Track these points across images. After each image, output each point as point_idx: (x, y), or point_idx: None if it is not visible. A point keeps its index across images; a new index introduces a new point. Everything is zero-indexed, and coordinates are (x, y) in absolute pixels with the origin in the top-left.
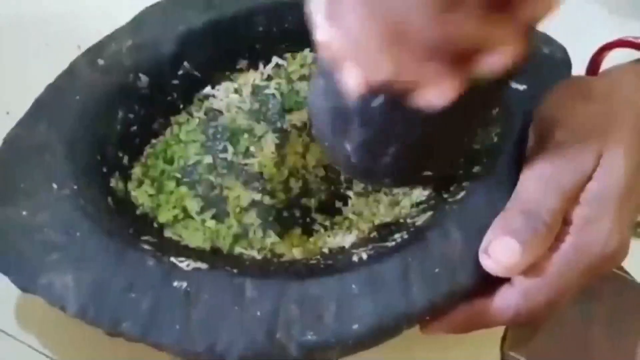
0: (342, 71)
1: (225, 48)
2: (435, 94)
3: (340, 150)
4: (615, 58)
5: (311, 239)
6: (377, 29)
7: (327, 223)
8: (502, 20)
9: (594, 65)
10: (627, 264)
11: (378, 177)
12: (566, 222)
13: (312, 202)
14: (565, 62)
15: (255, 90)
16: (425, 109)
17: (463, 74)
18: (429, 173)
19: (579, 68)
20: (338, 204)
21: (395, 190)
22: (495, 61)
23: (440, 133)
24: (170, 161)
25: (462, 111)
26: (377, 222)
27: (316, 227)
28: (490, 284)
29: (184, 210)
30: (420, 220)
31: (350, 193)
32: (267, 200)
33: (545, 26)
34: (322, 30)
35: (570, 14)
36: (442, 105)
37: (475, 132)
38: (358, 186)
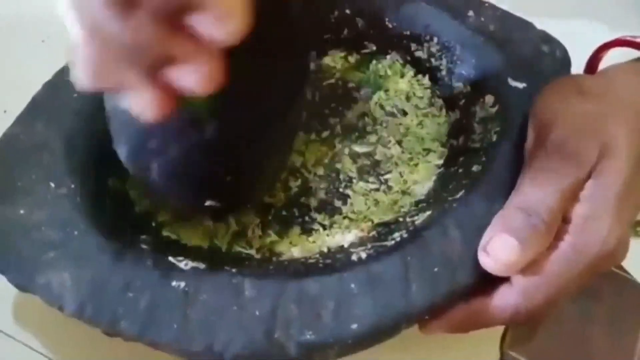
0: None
1: None
2: (140, 102)
3: (121, 156)
4: (613, 57)
5: (310, 238)
6: (79, 26)
7: (326, 222)
8: (186, 36)
9: (592, 64)
10: (626, 263)
11: (161, 195)
12: (565, 220)
13: (312, 201)
14: (564, 61)
15: None
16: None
17: (166, 87)
18: (213, 203)
19: (578, 67)
20: (337, 203)
21: (395, 189)
22: (187, 77)
23: (199, 159)
24: None
25: (212, 134)
26: (376, 221)
27: (315, 226)
28: (489, 283)
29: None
30: (419, 219)
31: (349, 192)
32: (266, 199)
33: (545, 25)
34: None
35: (570, 13)
36: (154, 116)
37: (258, 165)
38: (357, 185)
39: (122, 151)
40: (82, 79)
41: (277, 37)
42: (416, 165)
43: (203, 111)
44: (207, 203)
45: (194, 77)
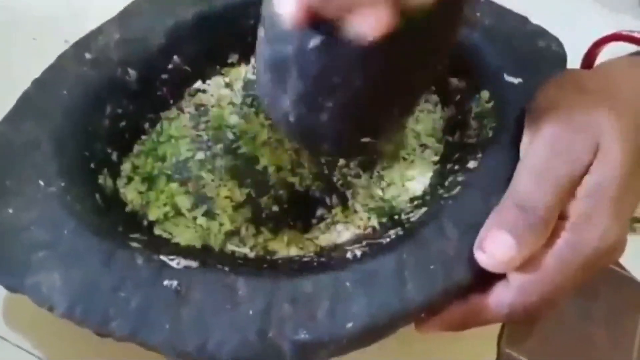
0: None
1: (215, 41)
2: (366, 20)
3: (280, 107)
4: (610, 52)
5: (305, 236)
6: None
7: (321, 220)
8: None
9: (589, 59)
10: (624, 260)
11: (317, 140)
12: (563, 216)
13: (306, 198)
14: (560, 56)
15: (247, 85)
16: (360, 40)
17: (394, 2)
18: (368, 139)
19: (574, 62)
20: (332, 200)
21: (391, 185)
22: None
23: (378, 88)
24: (160, 157)
25: (396, 65)
26: (371, 218)
27: (310, 223)
28: (486, 280)
29: (175, 207)
30: (415, 216)
31: (344, 189)
32: (259, 196)
33: (541, 19)
34: None
35: (566, 8)
36: (375, 36)
37: (414, 96)
38: (353, 182)
39: (285, 102)
40: (303, 6)
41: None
42: (412, 161)
43: (415, 26)
44: (364, 139)
45: None
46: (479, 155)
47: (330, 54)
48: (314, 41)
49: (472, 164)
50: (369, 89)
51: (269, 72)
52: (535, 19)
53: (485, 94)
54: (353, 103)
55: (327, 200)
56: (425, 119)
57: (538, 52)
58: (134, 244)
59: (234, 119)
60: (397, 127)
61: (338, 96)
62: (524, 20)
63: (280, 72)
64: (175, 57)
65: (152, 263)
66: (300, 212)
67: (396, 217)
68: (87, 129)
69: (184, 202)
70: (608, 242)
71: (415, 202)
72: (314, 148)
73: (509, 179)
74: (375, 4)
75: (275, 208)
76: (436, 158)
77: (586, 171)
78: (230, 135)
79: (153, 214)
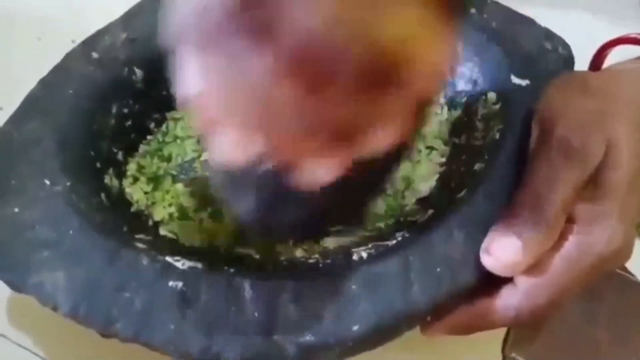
0: (212, 135)
1: None
2: (316, 172)
3: (238, 206)
4: (618, 55)
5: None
6: (246, 99)
7: None
8: (384, 98)
9: (596, 62)
10: (629, 263)
11: (281, 235)
12: (570, 219)
13: None
14: (567, 58)
15: None
16: (308, 186)
17: (346, 151)
18: (339, 228)
19: (582, 64)
20: None
21: (397, 187)
22: (378, 140)
23: (342, 196)
24: (166, 158)
25: (360, 179)
26: (378, 220)
27: None
28: (492, 283)
29: (180, 208)
30: (421, 219)
31: None
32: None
33: (548, 22)
34: (189, 77)
35: (573, 10)
36: (326, 182)
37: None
38: None
39: (245, 206)
40: (246, 148)
41: None
42: (418, 162)
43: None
44: (335, 229)
45: (385, 139)
46: (486, 157)
47: (283, 176)
48: (263, 167)
49: (478, 166)
50: (327, 201)
51: (225, 174)
52: (542, 21)
53: (492, 96)
54: (314, 211)
55: None
56: (432, 121)
57: (545, 54)
58: (139, 244)
59: None
60: (366, 212)
61: (299, 206)
62: (530, 22)
63: (235, 179)
64: None
65: (157, 263)
66: None
67: (402, 219)
68: (93, 129)
69: (189, 202)
70: (616, 245)
71: (422, 204)
72: (279, 239)
73: (515, 181)
74: (325, 156)
75: None
76: (442, 160)
77: (594, 173)
78: None
79: (158, 215)
